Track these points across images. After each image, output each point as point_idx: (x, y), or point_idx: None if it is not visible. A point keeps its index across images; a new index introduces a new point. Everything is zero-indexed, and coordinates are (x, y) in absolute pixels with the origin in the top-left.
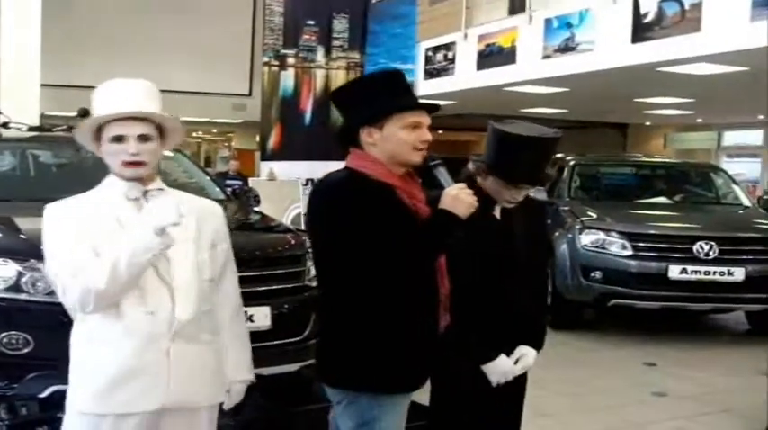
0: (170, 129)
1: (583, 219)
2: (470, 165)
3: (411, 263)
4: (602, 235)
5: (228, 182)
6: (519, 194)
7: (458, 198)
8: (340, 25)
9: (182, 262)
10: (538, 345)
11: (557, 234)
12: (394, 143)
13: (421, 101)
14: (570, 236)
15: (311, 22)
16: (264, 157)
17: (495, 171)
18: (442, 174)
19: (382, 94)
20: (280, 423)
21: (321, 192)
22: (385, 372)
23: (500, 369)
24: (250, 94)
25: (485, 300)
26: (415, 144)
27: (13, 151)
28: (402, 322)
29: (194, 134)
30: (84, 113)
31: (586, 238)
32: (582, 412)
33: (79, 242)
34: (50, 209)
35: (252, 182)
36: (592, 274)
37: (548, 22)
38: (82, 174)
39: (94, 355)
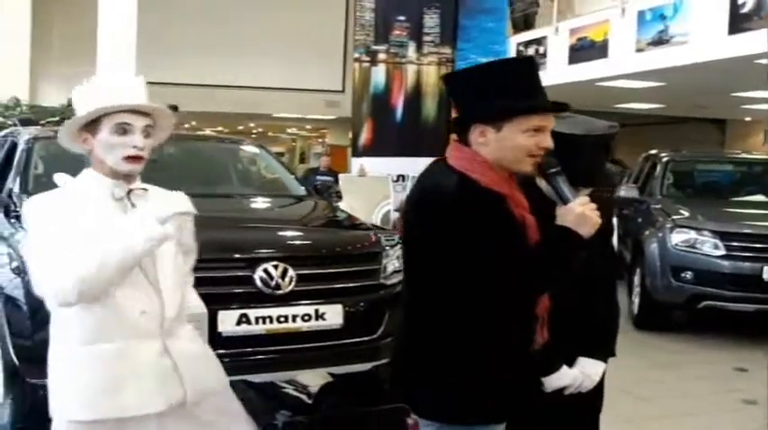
0: (159, 128)
1: (674, 217)
2: None
3: (530, 286)
4: (693, 234)
5: (319, 178)
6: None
7: (584, 216)
8: (431, 20)
9: (166, 260)
10: (604, 355)
11: (647, 233)
12: (509, 147)
13: (552, 101)
14: (660, 235)
15: (402, 18)
16: (355, 154)
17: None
18: (562, 184)
19: (506, 89)
20: (354, 422)
21: (432, 201)
22: (481, 403)
23: (560, 381)
24: (343, 91)
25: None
26: (532, 150)
27: None
28: (502, 347)
29: (289, 131)
30: (173, 109)
31: (677, 237)
32: (666, 418)
33: (68, 232)
34: (35, 200)
35: (342, 178)
36: (682, 275)
37: (641, 14)
38: (176, 171)
39: (93, 357)
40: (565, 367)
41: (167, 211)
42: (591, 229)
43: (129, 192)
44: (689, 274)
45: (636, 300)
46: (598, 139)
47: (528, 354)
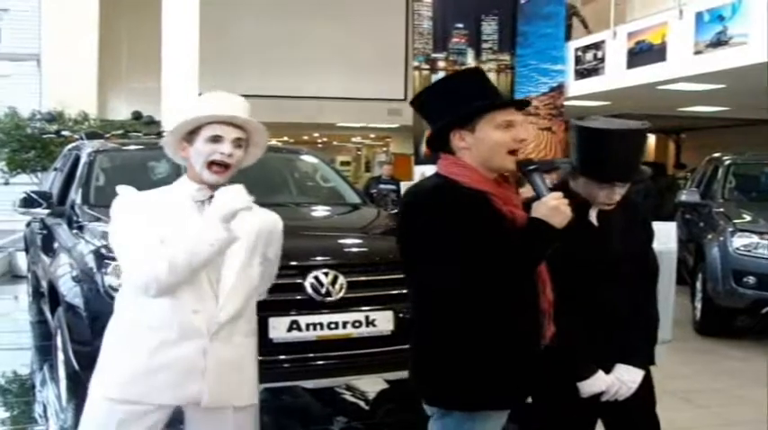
0: (253, 144)
1: (735, 221)
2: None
3: (509, 275)
4: (755, 238)
5: (381, 186)
6: (614, 194)
7: (557, 209)
8: (489, 27)
9: (232, 264)
10: (639, 362)
11: (709, 237)
12: (488, 145)
13: (513, 98)
14: (722, 239)
15: (460, 25)
16: (418, 161)
17: (584, 170)
18: (538, 180)
19: (469, 95)
20: (412, 427)
21: (413, 202)
22: (478, 390)
23: (593, 387)
24: (405, 99)
25: (581, 310)
26: (510, 145)
27: (168, 158)
28: (498, 337)
29: (353, 140)
30: None
31: (738, 242)
32: (724, 427)
33: (147, 231)
34: (122, 197)
35: (404, 186)
36: (744, 280)
37: (698, 15)
38: (233, 180)
39: (136, 340)
40: (600, 372)
41: (231, 207)
42: (563, 221)
43: (212, 197)
44: (751, 279)
45: (698, 306)
46: (629, 135)
47: (530, 348)
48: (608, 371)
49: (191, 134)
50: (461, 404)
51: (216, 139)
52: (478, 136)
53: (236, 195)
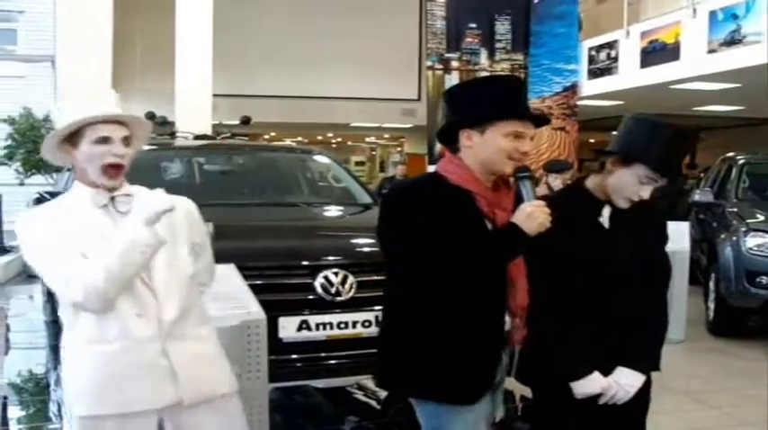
0: (136, 138)
1: (749, 221)
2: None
3: (470, 271)
4: None
5: None
6: (646, 191)
7: (531, 216)
8: (502, 27)
9: (159, 260)
10: (641, 366)
11: (722, 237)
12: (491, 149)
13: (530, 111)
14: (735, 239)
15: (473, 25)
16: (432, 161)
17: (644, 158)
18: (526, 186)
19: (491, 99)
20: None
21: (392, 193)
22: (443, 383)
23: (586, 388)
24: (419, 99)
25: (584, 312)
26: (512, 153)
27: (181, 159)
28: (462, 332)
29: (367, 140)
30: (246, 121)
31: (752, 241)
32: (737, 427)
33: (65, 247)
34: (25, 218)
35: None
36: (757, 280)
37: (712, 14)
38: (245, 180)
39: (92, 357)
40: (596, 374)
41: (153, 209)
42: (537, 228)
43: (113, 199)
44: (764, 279)
45: (711, 306)
46: (691, 134)
47: (492, 347)
48: (609, 373)
49: (72, 137)
50: (429, 395)
51: (104, 140)
52: (486, 138)
53: (158, 198)
